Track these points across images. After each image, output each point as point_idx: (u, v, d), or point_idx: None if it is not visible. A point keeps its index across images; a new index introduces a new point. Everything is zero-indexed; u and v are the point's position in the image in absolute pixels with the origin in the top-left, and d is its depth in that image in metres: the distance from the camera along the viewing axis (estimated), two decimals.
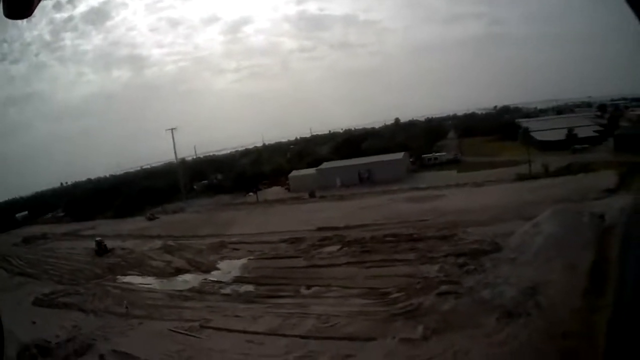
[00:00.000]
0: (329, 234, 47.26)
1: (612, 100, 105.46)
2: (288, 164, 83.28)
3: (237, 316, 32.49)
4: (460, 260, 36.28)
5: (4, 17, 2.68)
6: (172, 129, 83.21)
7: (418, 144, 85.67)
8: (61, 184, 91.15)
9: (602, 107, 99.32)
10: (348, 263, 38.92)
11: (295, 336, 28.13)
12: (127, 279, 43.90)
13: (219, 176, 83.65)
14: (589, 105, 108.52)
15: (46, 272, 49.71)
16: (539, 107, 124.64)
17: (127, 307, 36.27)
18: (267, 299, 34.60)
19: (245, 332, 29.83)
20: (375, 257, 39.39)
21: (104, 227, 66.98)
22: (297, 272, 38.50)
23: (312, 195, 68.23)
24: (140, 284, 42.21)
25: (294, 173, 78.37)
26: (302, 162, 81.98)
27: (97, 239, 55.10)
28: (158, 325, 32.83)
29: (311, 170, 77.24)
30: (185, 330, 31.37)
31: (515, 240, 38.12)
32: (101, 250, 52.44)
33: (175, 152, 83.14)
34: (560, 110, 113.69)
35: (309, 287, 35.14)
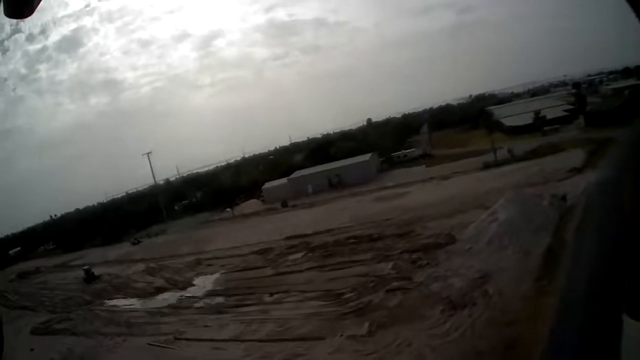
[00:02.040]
0: (296, 242, 49.81)
1: (589, 75, 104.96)
2: (263, 176, 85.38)
3: (206, 326, 35.28)
4: (415, 255, 37.93)
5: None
6: (147, 153, 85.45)
7: (388, 142, 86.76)
8: (50, 216, 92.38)
9: (576, 84, 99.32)
10: (310, 268, 41.42)
11: (255, 340, 30.86)
12: (113, 302, 46.31)
13: (198, 195, 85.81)
14: (565, 84, 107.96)
15: (41, 304, 51.55)
16: (515, 91, 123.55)
17: None
18: (234, 308, 37.32)
19: (212, 340, 32.63)
20: (335, 260, 41.80)
21: (92, 255, 68.93)
22: (263, 281, 41.13)
23: (284, 205, 70.46)
24: (125, 305, 44.73)
25: (267, 185, 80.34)
26: (276, 172, 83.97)
27: (85, 267, 57.18)
28: (139, 340, 35.46)
29: (283, 181, 79.31)
30: (162, 343, 34.06)
31: (471, 231, 39.52)
32: (89, 277, 54.54)
33: (153, 175, 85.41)
34: (534, 92, 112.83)
35: (271, 294, 37.71)
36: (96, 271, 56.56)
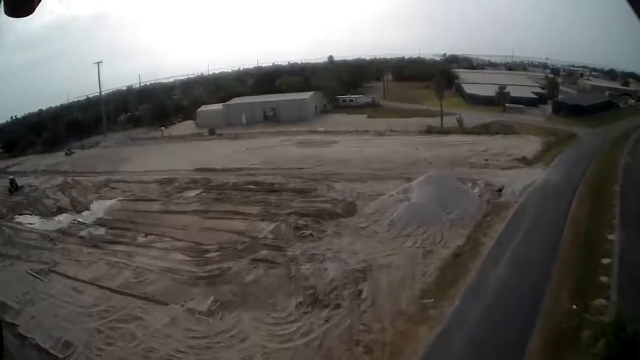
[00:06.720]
0: (200, 176, 46.69)
1: (572, 66, 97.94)
2: (207, 97, 79.49)
3: (77, 261, 32.64)
4: (302, 221, 31.96)
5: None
6: (98, 63, 78.26)
7: (341, 84, 78.13)
8: (11, 117, 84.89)
9: (555, 70, 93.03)
10: (194, 211, 38.02)
11: (107, 289, 27.93)
12: (20, 218, 43.10)
13: (141, 108, 79.89)
14: (545, 67, 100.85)
15: None
16: (493, 60, 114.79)
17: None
18: (108, 244, 34.52)
19: (75, 279, 30.19)
20: (222, 207, 37.90)
21: (29, 163, 64.11)
22: (147, 218, 38.16)
23: (211, 133, 65.84)
24: (28, 223, 41.68)
25: (203, 108, 74.30)
26: (217, 96, 78.01)
27: (10, 177, 52.72)
28: (23, 266, 33.11)
29: (219, 106, 73.38)
30: (37, 273, 31.76)
31: (376, 205, 32.98)
32: (13, 188, 50.66)
33: (99, 85, 78.83)
34: (510, 67, 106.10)
35: (147, 235, 34.95)
36: (23, 181, 52.95)
